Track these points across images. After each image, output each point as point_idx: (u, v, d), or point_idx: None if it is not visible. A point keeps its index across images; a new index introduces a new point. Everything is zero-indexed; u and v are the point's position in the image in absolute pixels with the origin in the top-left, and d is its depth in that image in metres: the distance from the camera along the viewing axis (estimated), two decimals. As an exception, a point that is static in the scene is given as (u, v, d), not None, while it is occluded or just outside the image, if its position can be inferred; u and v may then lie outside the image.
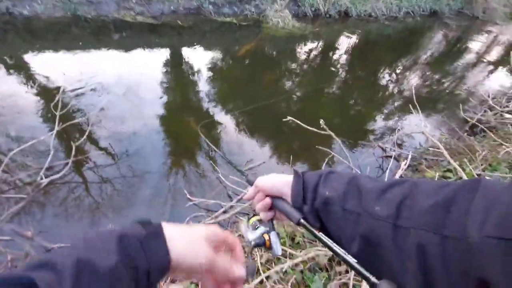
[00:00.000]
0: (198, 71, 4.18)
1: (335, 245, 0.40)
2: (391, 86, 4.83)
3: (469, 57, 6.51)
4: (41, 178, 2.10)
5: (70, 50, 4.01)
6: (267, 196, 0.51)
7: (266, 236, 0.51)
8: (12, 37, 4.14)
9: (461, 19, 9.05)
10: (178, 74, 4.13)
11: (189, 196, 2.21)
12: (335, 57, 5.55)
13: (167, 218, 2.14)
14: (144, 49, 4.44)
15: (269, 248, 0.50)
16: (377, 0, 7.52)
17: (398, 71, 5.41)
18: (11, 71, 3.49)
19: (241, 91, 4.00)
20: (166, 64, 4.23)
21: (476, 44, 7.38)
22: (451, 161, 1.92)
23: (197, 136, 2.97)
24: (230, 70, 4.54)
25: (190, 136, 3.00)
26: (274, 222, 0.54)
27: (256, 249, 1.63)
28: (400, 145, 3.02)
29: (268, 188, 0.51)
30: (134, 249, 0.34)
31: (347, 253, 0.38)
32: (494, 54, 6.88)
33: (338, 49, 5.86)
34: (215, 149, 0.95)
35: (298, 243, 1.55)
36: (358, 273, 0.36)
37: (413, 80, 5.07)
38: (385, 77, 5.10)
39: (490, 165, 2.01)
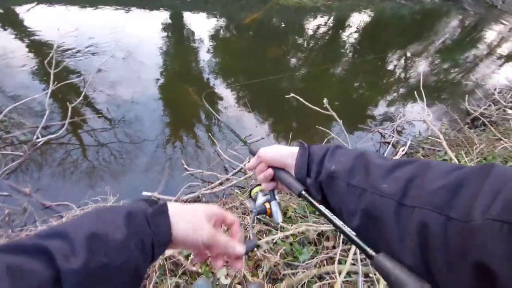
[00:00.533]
0: (200, 39, 3.98)
1: (335, 217, 0.41)
2: (398, 71, 4.70)
3: (482, 47, 6.30)
4: (37, 138, 2.07)
5: (65, 4, 3.76)
6: (269, 166, 0.52)
7: (267, 205, 0.54)
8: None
9: (480, 6, 8.61)
10: (179, 40, 3.94)
11: (186, 166, 2.23)
12: (344, 35, 5.31)
13: (163, 186, 2.17)
14: (143, 9, 4.17)
15: (270, 216, 0.54)
16: (396, -25, 7.03)
17: (407, 56, 5.24)
18: (1, 24, 3.28)
19: (244, 63, 3.86)
20: (166, 28, 4.01)
21: (490, 35, 7.09)
22: (449, 151, 1.93)
23: (196, 107, 2.91)
24: (234, 40, 4.34)
25: (189, 106, 2.95)
26: (275, 191, 0.55)
27: (250, 221, 1.69)
28: (399, 132, 3.02)
29: (271, 159, 0.51)
30: (141, 225, 0.36)
31: (345, 226, 0.39)
32: (507, 47, 6.65)
33: (348, 26, 5.59)
34: (219, 117, 0.92)
35: (290, 217, 1.60)
36: (356, 245, 0.37)
37: (422, 67, 4.93)
38: (393, 62, 4.94)
39: (485, 158, 2.04)
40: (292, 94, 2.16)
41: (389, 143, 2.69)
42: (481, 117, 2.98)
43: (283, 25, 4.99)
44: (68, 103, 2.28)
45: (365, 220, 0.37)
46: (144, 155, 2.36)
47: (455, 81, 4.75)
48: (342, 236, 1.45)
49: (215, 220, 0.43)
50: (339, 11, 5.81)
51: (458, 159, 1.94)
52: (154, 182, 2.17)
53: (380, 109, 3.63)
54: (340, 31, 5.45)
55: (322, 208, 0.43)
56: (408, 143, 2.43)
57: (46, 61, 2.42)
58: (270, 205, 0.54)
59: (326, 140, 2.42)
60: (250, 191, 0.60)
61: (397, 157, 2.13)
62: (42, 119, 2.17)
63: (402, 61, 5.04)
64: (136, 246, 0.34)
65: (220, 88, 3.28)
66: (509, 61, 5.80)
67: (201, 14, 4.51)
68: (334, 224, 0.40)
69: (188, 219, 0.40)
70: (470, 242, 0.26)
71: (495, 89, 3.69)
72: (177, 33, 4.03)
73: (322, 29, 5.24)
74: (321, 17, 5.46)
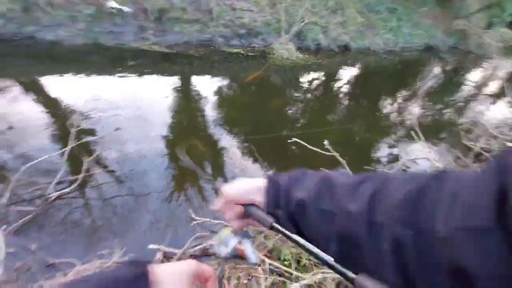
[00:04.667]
0: (206, 97, 4.37)
1: (310, 244, 0.38)
2: (393, 114, 4.96)
3: (468, 89, 6.73)
4: (50, 193, 2.12)
5: (89, 75, 4.28)
6: (238, 204, 0.48)
7: (239, 246, 0.49)
8: (32, 60, 4.41)
9: (457, 54, 9.49)
10: (187, 99, 4.33)
11: (193, 216, 2.19)
12: (337, 86, 5.80)
13: (169, 240, 2.10)
14: (157, 75, 4.71)
15: (243, 258, 0.48)
16: (374, 35, 8.03)
17: (399, 100, 5.59)
18: (32, 92, 3.69)
19: (247, 117, 4.14)
20: (176, 89, 4.45)
21: (473, 77, 7.67)
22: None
23: (202, 158, 3.02)
24: (237, 96, 4.75)
25: (195, 159, 3.05)
26: (250, 229, 0.52)
27: (263, 273, 1.59)
28: (405, 171, 3.02)
29: (238, 195, 0.47)
30: None
31: (322, 252, 0.37)
32: (493, 86, 7.11)
33: (340, 79, 6.14)
34: (196, 167, 0.98)
35: (304, 265, 1.51)
36: (335, 270, 0.35)
37: (414, 109, 5.21)
38: (386, 106, 5.26)
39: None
40: (294, 139, 2.27)
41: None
42: (483, 152, 3.01)
43: (281, 82, 5.52)
44: (83, 158, 2.40)
45: (342, 244, 0.35)
46: (148, 210, 2.34)
47: (451, 120, 4.95)
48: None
49: (196, 278, 0.39)
50: (329, 67, 6.47)
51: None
52: (161, 234, 2.11)
53: (382, 150, 3.71)
54: (333, 83, 5.97)
55: (295, 236, 0.40)
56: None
57: (68, 123, 2.65)
58: (243, 246, 0.49)
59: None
60: (220, 234, 0.52)
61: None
62: (54, 176, 2.25)
63: (396, 105, 5.36)
64: None
65: (225, 140, 3.44)
66: (497, 99, 6.12)
67: (207, 77, 5.06)
68: (310, 251, 0.38)
69: (171, 283, 0.35)
70: (442, 253, 0.26)
71: (490, 126, 3.82)
72: (185, 93, 4.46)
73: (316, 82, 5.76)
74: (314, 72, 6.06)
